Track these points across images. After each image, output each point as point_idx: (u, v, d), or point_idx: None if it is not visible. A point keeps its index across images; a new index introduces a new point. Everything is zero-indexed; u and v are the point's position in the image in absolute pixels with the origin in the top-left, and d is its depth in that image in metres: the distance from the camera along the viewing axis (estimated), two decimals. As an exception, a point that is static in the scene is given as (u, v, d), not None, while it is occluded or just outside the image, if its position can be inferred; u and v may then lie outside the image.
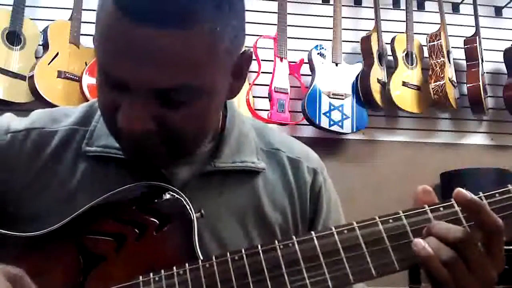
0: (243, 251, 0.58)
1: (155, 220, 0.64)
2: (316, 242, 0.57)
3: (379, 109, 2.52)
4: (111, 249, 0.63)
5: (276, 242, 0.58)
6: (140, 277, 0.59)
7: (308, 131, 2.47)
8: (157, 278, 0.58)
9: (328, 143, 2.49)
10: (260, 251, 0.58)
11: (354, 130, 2.45)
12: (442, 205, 0.57)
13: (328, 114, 2.40)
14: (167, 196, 0.65)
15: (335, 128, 2.40)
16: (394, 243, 0.56)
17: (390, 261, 0.56)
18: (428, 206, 0.58)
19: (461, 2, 2.82)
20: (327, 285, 0.55)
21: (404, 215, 0.58)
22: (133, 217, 0.64)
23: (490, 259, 0.55)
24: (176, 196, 0.65)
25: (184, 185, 0.72)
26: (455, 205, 0.57)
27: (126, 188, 0.65)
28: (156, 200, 0.65)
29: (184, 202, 0.64)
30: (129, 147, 0.66)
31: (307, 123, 2.40)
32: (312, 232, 0.58)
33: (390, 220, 0.58)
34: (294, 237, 0.58)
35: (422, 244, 0.55)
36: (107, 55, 0.60)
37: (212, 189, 0.74)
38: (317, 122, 2.37)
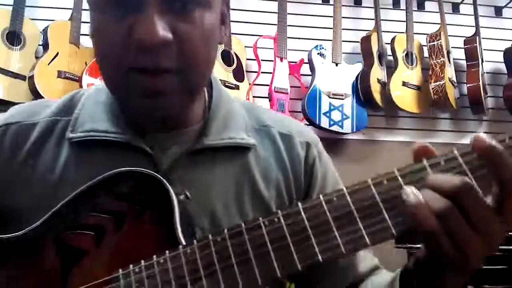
0: (225, 231, 0.54)
1: (134, 208, 0.61)
2: (303, 214, 0.52)
3: (379, 109, 2.52)
4: (91, 242, 0.60)
5: (260, 219, 0.53)
6: (120, 270, 0.57)
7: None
8: (137, 270, 0.56)
9: (328, 143, 2.48)
10: (244, 230, 0.53)
11: (354, 130, 2.45)
12: (443, 158, 0.49)
13: (328, 114, 2.40)
14: (147, 180, 0.61)
15: (335, 128, 2.40)
16: (388, 206, 0.49)
17: (386, 226, 0.49)
18: (427, 160, 0.50)
19: (461, 2, 2.82)
20: (317, 259, 0.50)
21: (400, 175, 0.50)
22: (111, 206, 0.61)
23: (501, 217, 0.47)
24: (157, 180, 0.61)
25: (174, 164, 0.70)
26: (459, 157, 0.49)
27: (105, 176, 0.62)
28: (135, 187, 0.62)
29: (164, 185, 0.60)
30: (143, 80, 0.62)
31: (307, 123, 2.39)
32: (299, 204, 0.52)
33: (384, 182, 0.50)
34: (279, 211, 0.53)
35: (412, 191, 0.48)
36: None
37: (202, 167, 0.72)
38: (317, 122, 2.37)
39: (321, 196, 0.52)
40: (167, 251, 0.56)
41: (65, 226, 0.62)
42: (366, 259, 0.80)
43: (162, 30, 0.59)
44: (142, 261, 0.57)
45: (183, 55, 0.62)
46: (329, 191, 0.75)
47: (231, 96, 0.82)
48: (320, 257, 0.50)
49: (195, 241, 0.55)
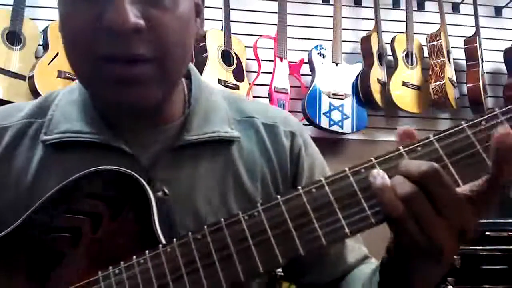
0: (205, 228, 0.53)
1: (111, 208, 0.59)
2: (283, 207, 0.51)
3: (379, 109, 2.52)
4: (68, 244, 0.59)
5: (240, 213, 0.52)
6: (99, 272, 0.56)
7: (308, 131, 2.47)
8: (117, 271, 0.55)
9: (328, 143, 2.49)
10: (224, 226, 0.52)
11: (354, 130, 2.45)
12: (419, 143, 0.49)
13: (328, 114, 2.40)
14: (122, 179, 0.60)
15: (335, 128, 2.40)
16: (367, 195, 0.48)
17: (365, 215, 0.48)
18: (403, 148, 0.49)
19: (461, 2, 2.82)
20: (299, 252, 0.49)
21: (377, 162, 0.50)
22: (86, 206, 0.60)
23: (472, 206, 0.47)
24: (133, 178, 0.59)
25: (154, 162, 0.68)
26: (435, 142, 0.48)
27: (79, 176, 0.60)
28: (110, 186, 0.60)
29: (140, 183, 0.59)
30: (116, 69, 0.59)
31: (307, 123, 2.39)
32: (278, 196, 0.51)
33: (362, 170, 0.50)
34: (259, 205, 0.52)
35: (379, 174, 0.47)
36: None
37: (185, 164, 0.70)
38: (317, 122, 2.37)
39: (300, 188, 0.51)
40: (146, 251, 0.55)
41: (41, 229, 0.60)
42: (354, 249, 0.79)
43: (133, 17, 0.56)
44: (122, 262, 0.55)
45: (157, 42, 0.59)
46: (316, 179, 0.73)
47: (211, 87, 0.80)
48: (301, 250, 0.49)
49: (174, 240, 0.54)
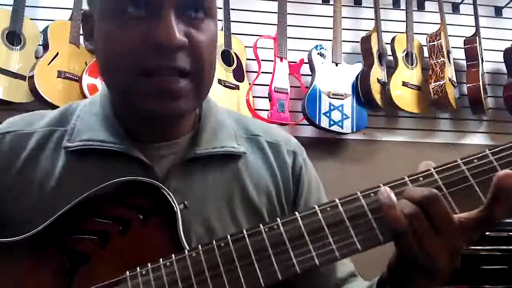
0: (228, 237, 0.58)
1: (138, 215, 0.64)
2: (300, 222, 0.57)
3: (379, 109, 2.52)
4: (96, 247, 0.62)
5: (261, 225, 0.58)
6: (127, 272, 0.59)
7: (308, 131, 2.47)
8: (144, 272, 0.59)
9: (328, 143, 2.49)
10: (246, 236, 0.57)
11: (354, 130, 2.45)
12: (421, 174, 0.57)
13: (328, 114, 2.40)
14: (149, 189, 0.64)
15: (335, 128, 2.40)
16: (376, 215, 0.55)
17: (374, 234, 0.55)
18: (408, 177, 0.57)
19: (461, 2, 2.82)
20: (314, 262, 0.55)
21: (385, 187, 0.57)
22: (115, 213, 0.64)
23: (463, 232, 0.53)
24: (158, 189, 0.64)
25: (168, 174, 0.73)
26: (434, 173, 0.56)
27: (107, 185, 0.65)
28: (138, 194, 0.65)
29: (166, 195, 0.63)
30: (161, 82, 0.65)
31: (307, 123, 2.39)
32: (296, 213, 0.58)
33: (372, 194, 0.57)
34: (278, 219, 0.58)
35: (387, 192, 0.54)
36: None
37: (195, 176, 0.74)
38: (317, 122, 2.37)
39: (316, 206, 0.58)
40: (173, 255, 0.58)
41: (69, 231, 0.64)
42: (344, 264, 0.82)
43: (180, 34, 0.63)
44: (149, 264, 0.59)
45: (195, 59, 0.66)
46: (313, 197, 0.83)
47: (218, 106, 0.86)
48: (317, 262, 0.55)
49: (200, 246, 0.58)
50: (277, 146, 0.84)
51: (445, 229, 0.52)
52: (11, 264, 0.63)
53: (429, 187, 0.55)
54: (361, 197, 0.57)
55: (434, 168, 0.56)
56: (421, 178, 0.56)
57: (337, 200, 0.57)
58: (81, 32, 2.23)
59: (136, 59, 0.64)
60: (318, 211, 0.57)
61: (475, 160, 0.56)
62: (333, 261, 0.55)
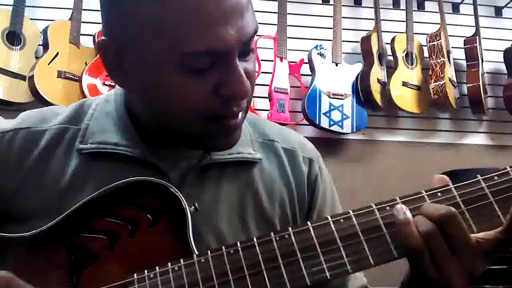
0: (238, 244, 0.57)
1: (148, 216, 0.63)
2: (312, 232, 0.56)
3: (379, 109, 2.52)
4: (104, 247, 0.62)
5: (272, 234, 0.57)
6: (135, 274, 0.59)
7: (308, 131, 2.47)
8: (151, 275, 0.58)
9: (328, 143, 2.49)
10: (256, 244, 0.57)
11: (354, 130, 2.45)
12: (439, 190, 0.55)
13: (328, 114, 2.40)
14: (160, 191, 0.64)
15: (335, 128, 2.40)
16: (390, 230, 0.54)
17: (388, 248, 0.54)
18: (425, 192, 0.56)
19: (461, 2, 2.81)
20: (325, 275, 0.54)
21: (401, 202, 0.56)
22: (126, 213, 0.63)
23: (481, 252, 0.52)
24: (169, 190, 0.63)
25: (182, 179, 0.72)
26: (453, 189, 0.54)
27: (118, 184, 0.64)
28: (148, 196, 0.64)
29: (179, 197, 0.63)
30: (229, 123, 0.66)
31: (307, 123, 2.39)
32: (308, 223, 0.57)
33: (387, 207, 0.55)
34: (290, 228, 0.57)
35: (403, 209, 0.53)
36: (197, 29, 0.58)
37: (210, 182, 0.74)
38: (317, 122, 2.37)
39: (329, 217, 0.56)
40: (181, 259, 0.58)
41: (78, 229, 0.64)
42: (357, 277, 0.81)
43: (247, 81, 0.62)
44: (157, 267, 0.58)
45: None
46: (328, 204, 0.81)
47: None
48: (327, 275, 0.54)
49: (209, 251, 0.58)
50: (293, 153, 0.82)
51: (461, 250, 0.51)
52: (21, 259, 0.64)
53: (447, 203, 0.53)
54: (376, 210, 0.55)
55: (453, 184, 0.55)
56: (439, 194, 0.55)
57: (351, 212, 0.56)
58: (81, 32, 2.23)
59: (206, 110, 0.63)
60: (331, 222, 0.56)
61: (496, 177, 0.54)
62: (345, 275, 0.54)
